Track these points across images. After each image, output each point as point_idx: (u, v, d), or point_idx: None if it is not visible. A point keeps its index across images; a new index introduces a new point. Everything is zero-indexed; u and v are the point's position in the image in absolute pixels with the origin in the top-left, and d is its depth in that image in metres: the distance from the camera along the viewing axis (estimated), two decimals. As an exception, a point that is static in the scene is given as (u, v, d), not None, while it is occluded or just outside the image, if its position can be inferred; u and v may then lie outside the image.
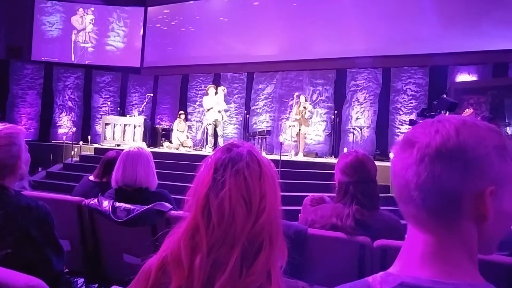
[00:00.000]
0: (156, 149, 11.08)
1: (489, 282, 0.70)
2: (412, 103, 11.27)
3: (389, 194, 6.99)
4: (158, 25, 15.20)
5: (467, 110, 7.35)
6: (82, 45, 15.63)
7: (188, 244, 0.90)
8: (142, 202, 2.42)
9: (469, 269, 0.70)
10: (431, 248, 0.71)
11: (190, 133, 12.53)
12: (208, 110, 10.67)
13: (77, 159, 10.08)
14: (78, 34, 15.78)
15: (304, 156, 10.46)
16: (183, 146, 11.66)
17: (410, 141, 0.73)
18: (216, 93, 10.82)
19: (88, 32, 15.89)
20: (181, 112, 11.90)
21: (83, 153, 10.34)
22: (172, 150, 10.88)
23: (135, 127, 11.61)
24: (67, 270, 2.07)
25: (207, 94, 10.90)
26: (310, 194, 2.71)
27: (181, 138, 11.62)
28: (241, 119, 13.42)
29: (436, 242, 0.71)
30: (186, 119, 11.96)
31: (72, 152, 10.24)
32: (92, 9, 15.76)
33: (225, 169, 0.92)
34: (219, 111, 10.63)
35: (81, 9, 15.72)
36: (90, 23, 15.91)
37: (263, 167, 0.95)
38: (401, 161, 0.74)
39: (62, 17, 15.64)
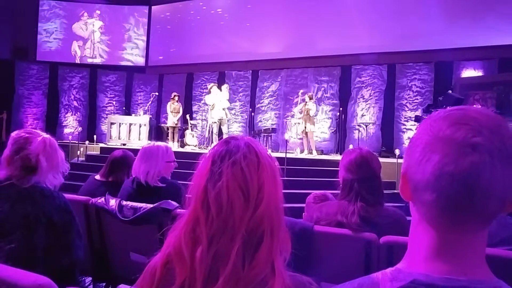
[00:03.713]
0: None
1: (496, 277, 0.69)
2: (417, 99, 11.22)
3: (395, 191, 6.98)
4: (162, 24, 15.21)
5: (474, 106, 7.30)
6: (90, 60, 15.19)
7: (188, 237, 0.90)
8: (155, 194, 2.60)
9: (482, 266, 0.69)
10: (449, 245, 0.68)
11: (195, 131, 12.54)
12: (212, 108, 10.68)
13: (83, 158, 10.13)
14: (84, 46, 15.16)
15: (318, 154, 10.42)
16: (187, 144, 11.68)
17: (468, 143, 0.64)
18: (220, 91, 10.83)
19: (97, 43, 15.27)
20: (174, 93, 11.85)
21: (89, 152, 10.38)
22: (177, 149, 10.90)
23: (140, 126, 11.65)
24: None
25: (209, 92, 10.91)
26: (313, 192, 2.71)
27: (175, 120, 11.55)
28: (246, 117, 13.42)
29: (456, 240, 0.68)
30: (178, 101, 11.83)
31: (78, 152, 10.29)
32: (98, 12, 15.26)
33: (222, 160, 0.92)
34: (223, 109, 10.64)
35: (85, 14, 15.18)
36: (98, 30, 15.26)
37: (261, 158, 0.95)
38: (461, 165, 0.63)
39: (63, 23, 15.15)
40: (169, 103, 11.67)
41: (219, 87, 11.01)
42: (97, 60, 15.31)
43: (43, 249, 1.75)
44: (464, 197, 0.64)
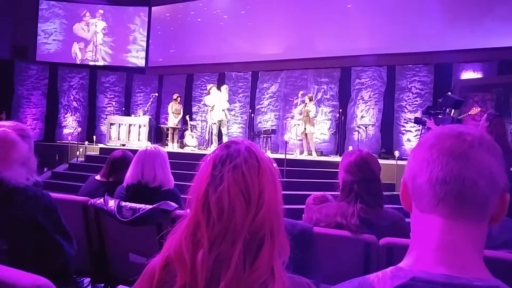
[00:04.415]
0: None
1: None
2: (417, 101, 11.23)
3: (395, 193, 6.98)
4: (162, 25, 15.21)
5: (474, 108, 7.28)
6: (91, 63, 14.98)
7: (189, 241, 0.91)
8: (153, 200, 2.44)
9: (480, 264, 0.70)
10: (448, 241, 0.70)
11: (195, 132, 12.54)
12: (212, 109, 10.67)
13: (83, 159, 10.12)
14: (85, 48, 14.87)
15: (318, 155, 10.41)
16: (187, 145, 11.68)
17: (456, 131, 0.74)
18: (218, 91, 10.83)
19: (100, 45, 15.03)
20: (176, 94, 11.83)
21: (88, 153, 10.38)
22: (177, 150, 10.91)
23: (140, 127, 11.63)
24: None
25: (208, 93, 10.91)
26: (313, 193, 2.71)
27: (176, 121, 11.53)
28: (246, 118, 13.41)
29: (455, 236, 0.70)
30: (180, 103, 11.77)
31: (78, 152, 10.27)
32: (101, 11, 15.03)
33: (223, 165, 0.93)
34: (222, 110, 10.63)
35: (87, 14, 14.91)
36: (101, 31, 15.02)
37: (262, 163, 0.95)
38: (450, 144, 0.73)
39: (62, 23, 14.93)
40: (170, 104, 11.65)
41: (219, 88, 11.01)
42: (100, 63, 15.21)
43: (32, 253, 1.68)
44: (454, 168, 0.70)
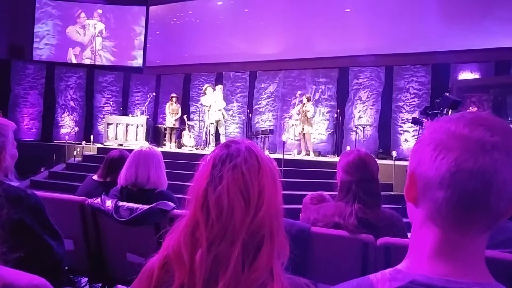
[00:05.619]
0: (159, 149, 11.05)
1: (496, 281, 0.69)
2: (414, 101, 11.25)
3: (392, 193, 7.00)
4: (160, 24, 15.18)
5: (470, 108, 7.31)
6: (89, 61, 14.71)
7: (188, 240, 0.90)
8: (146, 202, 2.41)
9: (482, 269, 0.69)
10: (450, 246, 0.68)
11: (193, 132, 12.53)
12: (209, 109, 10.67)
13: (80, 159, 10.10)
14: (82, 54, 14.43)
15: (316, 156, 10.41)
16: (184, 145, 11.66)
17: (487, 142, 0.64)
18: (213, 91, 10.84)
19: (98, 50, 14.72)
20: (173, 94, 11.80)
21: (85, 153, 10.36)
22: (174, 150, 10.90)
23: (137, 126, 11.62)
24: (67, 267, 2.06)
25: (205, 94, 10.92)
26: (310, 193, 2.71)
27: (173, 120, 11.51)
28: (243, 118, 13.41)
29: (460, 241, 0.68)
30: (177, 102, 11.72)
31: (75, 152, 10.25)
32: (100, 11, 14.67)
33: (223, 164, 0.92)
34: (219, 110, 10.63)
35: (82, 14, 14.47)
36: (99, 34, 14.78)
37: (262, 163, 0.95)
38: (481, 162, 0.64)
39: (56, 25, 14.56)
40: (167, 104, 11.63)
41: (214, 88, 11.02)
42: (97, 63, 15.10)
43: (22, 257, 1.57)
44: (480, 194, 0.64)
